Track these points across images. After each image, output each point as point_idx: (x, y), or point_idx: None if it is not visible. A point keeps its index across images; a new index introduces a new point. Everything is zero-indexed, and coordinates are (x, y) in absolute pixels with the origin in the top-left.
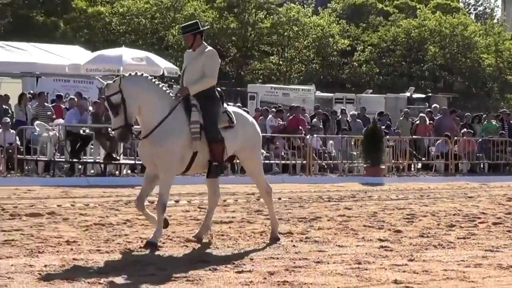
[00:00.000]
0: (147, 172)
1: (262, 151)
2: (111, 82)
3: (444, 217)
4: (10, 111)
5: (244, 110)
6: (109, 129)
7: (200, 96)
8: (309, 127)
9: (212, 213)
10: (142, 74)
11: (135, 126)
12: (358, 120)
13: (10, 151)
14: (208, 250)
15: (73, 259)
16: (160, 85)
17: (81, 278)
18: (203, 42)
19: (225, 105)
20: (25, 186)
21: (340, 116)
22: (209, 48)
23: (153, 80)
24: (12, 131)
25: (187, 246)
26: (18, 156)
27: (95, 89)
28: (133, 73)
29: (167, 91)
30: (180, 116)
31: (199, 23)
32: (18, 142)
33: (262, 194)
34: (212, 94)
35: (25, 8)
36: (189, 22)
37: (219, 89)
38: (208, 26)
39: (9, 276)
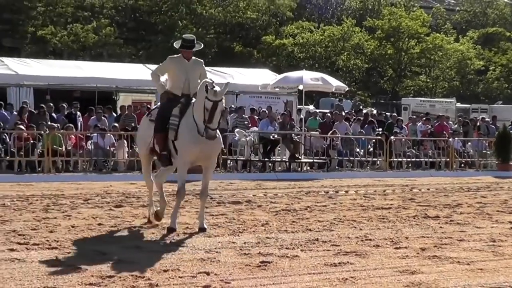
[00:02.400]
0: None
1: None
2: (218, 89)
3: None
4: None
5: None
6: (293, 134)
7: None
8: (452, 131)
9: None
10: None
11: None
12: (492, 126)
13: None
14: (371, 231)
15: (266, 237)
16: None
17: (272, 252)
18: None
19: None
20: (228, 180)
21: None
22: (199, 59)
23: None
24: None
25: (355, 228)
26: (223, 156)
27: (281, 103)
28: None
29: None
30: None
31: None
32: (222, 146)
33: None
34: None
35: (227, 41)
36: (191, 38)
37: None
38: (202, 46)
39: (217, 250)
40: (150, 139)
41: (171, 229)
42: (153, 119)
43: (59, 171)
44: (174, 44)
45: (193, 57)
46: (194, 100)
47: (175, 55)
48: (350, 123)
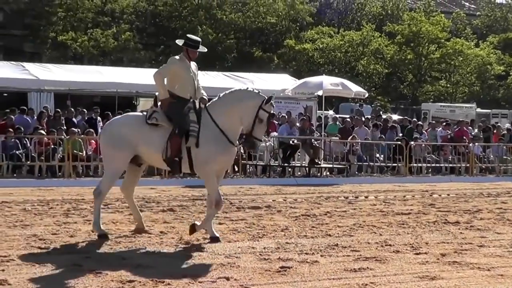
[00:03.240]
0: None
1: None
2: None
3: None
4: None
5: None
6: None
7: None
8: (472, 137)
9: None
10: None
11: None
12: None
13: (236, 157)
14: (391, 236)
15: (286, 242)
16: None
17: (292, 258)
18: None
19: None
20: (247, 185)
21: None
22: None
23: None
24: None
25: (375, 233)
26: (242, 161)
27: (301, 108)
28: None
29: None
30: None
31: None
32: (242, 150)
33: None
34: None
35: (247, 46)
36: (197, 38)
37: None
38: (206, 50)
39: (237, 255)
40: (140, 142)
41: (215, 239)
42: (154, 122)
43: (80, 176)
44: (177, 42)
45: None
46: (205, 104)
47: (177, 56)
48: (377, 129)
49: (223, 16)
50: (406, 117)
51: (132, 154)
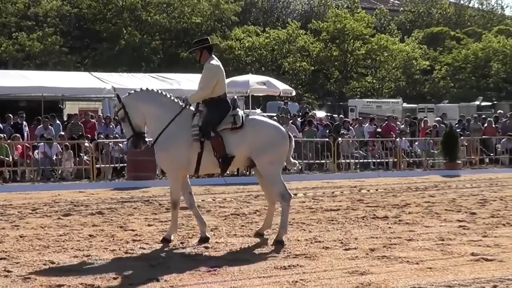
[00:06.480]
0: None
1: (295, 161)
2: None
3: (510, 201)
4: None
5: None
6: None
7: (207, 103)
8: (399, 131)
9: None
10: (147, 88)
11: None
12: (442, 125)
13: None
14: (321, 233)
15: (216, 242)
16: (167, 96)
17: (222, 257)
18: (211, 55)
19: (237, 110)
20: None
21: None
22: (209, 61)
23: (158, 92)
24: None
25: (304, 230)
26: None
27: None
28: (138, 90)
29: (175, 101)
30: (184, 122)
31: (209, 39)
32: None
33: (274, 200)
34: (218, 100)
35: (173, 47)
36: (200, 38)
37: (235, 96)
38: (216, 43)
39: (167, 256)
40: None
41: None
42: None
43: (6, 181)
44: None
45: (208, 60)
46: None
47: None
48: (311, 126)
49: (148, 17)
50: (331, 114)
51: None
